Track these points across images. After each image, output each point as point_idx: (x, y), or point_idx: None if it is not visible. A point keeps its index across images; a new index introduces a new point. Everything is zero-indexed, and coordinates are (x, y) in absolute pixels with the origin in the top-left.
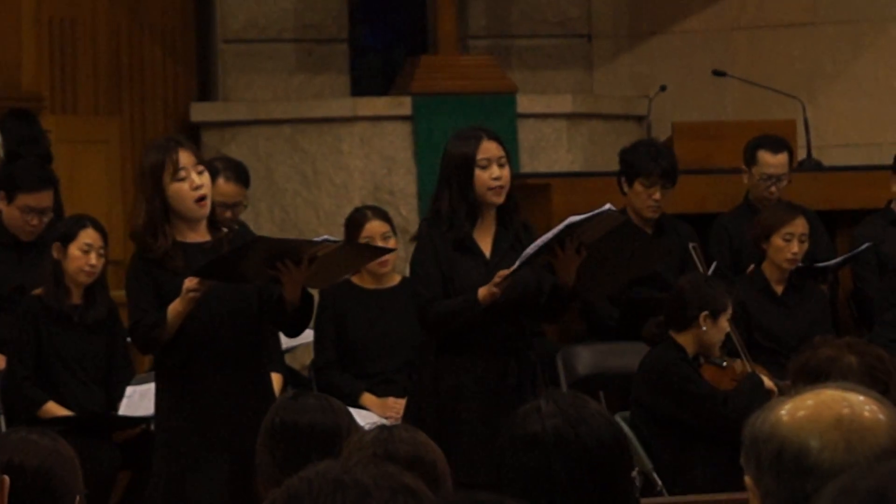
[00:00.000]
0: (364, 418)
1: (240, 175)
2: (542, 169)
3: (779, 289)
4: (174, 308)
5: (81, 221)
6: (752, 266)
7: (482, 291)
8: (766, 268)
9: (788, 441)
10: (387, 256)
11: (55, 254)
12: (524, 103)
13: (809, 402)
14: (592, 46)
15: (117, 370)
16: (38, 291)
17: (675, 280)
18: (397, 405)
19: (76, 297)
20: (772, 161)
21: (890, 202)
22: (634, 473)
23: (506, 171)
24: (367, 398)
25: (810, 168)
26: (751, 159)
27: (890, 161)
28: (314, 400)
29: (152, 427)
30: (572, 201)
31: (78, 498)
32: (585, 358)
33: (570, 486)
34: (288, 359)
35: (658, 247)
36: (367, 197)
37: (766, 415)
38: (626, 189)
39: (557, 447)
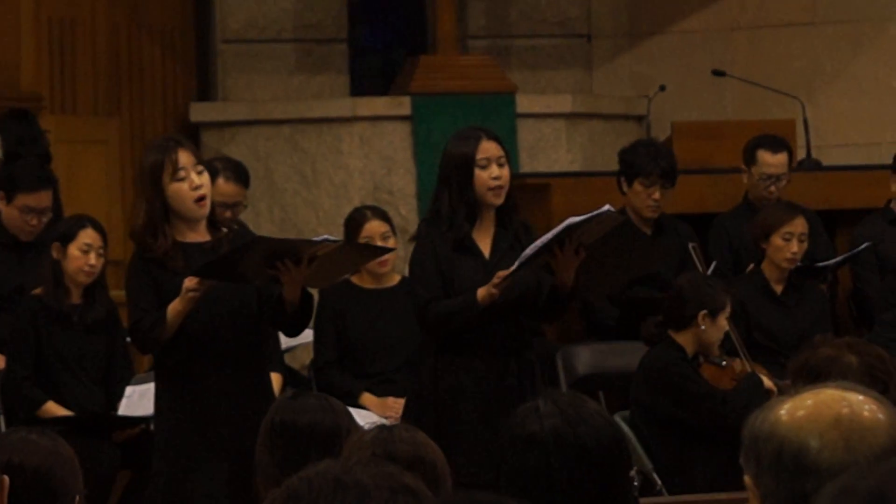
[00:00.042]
0: (364, 418)
1: (240, 175)
2: (542, 169)
3: (778, 288)
4: (174, 308)
5: (81, 221)
6: (751, 266)
7: (481, 292)
8: (766, 267)
9: (788, 440)
10: (386, 256)
11: (55, 254)
12: (524, 103)
13: (809, 402)
14: (592, 46)
15: (117, 370)
16: (37, 291)
17: (675, 280)
18: (397, 405)
19: (76, 297)
20: (771, 161)
21: (889, 202)
22: (633, 473)
23: (505, 171)
24: (367, 398)
25: (810, 168)
26: (750, 159)
27: (889, 161)
28: (314, 400)
29: (152, 427)
30: (572, 201)
31: (77, 498)
32: (585, 358)
33: (569, 486)
34: (287, 358)
35: (657, 247)
36: (367, 197)
37: (766, 414)
38: (625, 189)
39: (556, 447)
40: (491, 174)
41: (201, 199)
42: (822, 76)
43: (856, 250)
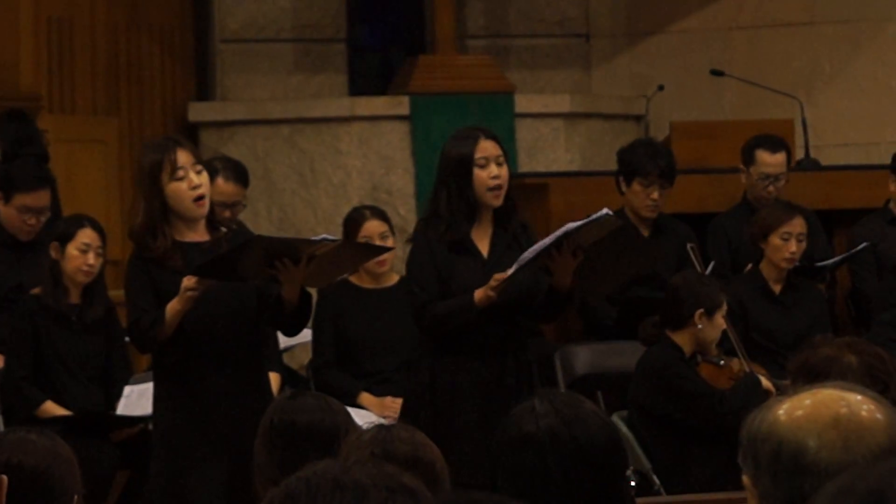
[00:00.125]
0: (362, 418)
1: (239, 175)
2: (541, 168)
3: (777, 288)
4: (172, 307)
5: (79, 221)
6: (749, 265)
7: (478, 294)
8: (764, 267)
9: (786, 440)
10: (385, 256)
11: (53, 253)
12: (522, 103)
13: (807, 402)
14: (590, 46)
15: (115, 370)
16: (36, 291)
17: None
18: (395, 405)
19: (74, 297)
20: (770, 160)
21: (888, 201)
22: (629, 472)
23: (504, 171)
24: (366, 397)
25: (808, 167)
26: (749, 159)
27: (888, 160)
28: (312, 399)
29: (150, 426)
30: (570, 201)
31: (76, 497)
32: (583, 357)
33: (566, 486)
34: (286, 358)
35: (655, 247)
36: (365, 196)
37: (764, 414)
38: (624, 189)
39: (552, 446)
40: (490, 173)
41: (200, 198)
42: (821, 76)
43: (854, 250)
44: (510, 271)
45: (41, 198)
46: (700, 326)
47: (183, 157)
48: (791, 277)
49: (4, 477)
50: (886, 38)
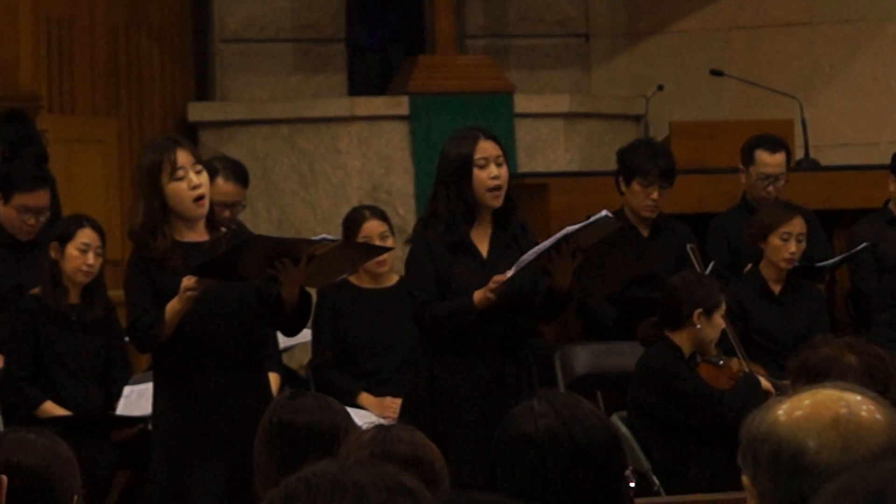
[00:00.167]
0: (362, 418)
1: (239, 175)
2: (540, 169)
3: (776, 288)
4: (172, 307)
5: (79, 221)
6: (749, 266)
7: (478, 295)
8: (764, 267)
9: (786, 441)
10: (384, 256)
11: (53, 254)
12: (522, 103)
13: (807, 402)
14: (590, 46)
15: (115, 370)
16: (35, 291)
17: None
18: (394, 405)
19: (74, 297)
20: (769, 160)
21: (887, 202)
22: (627, 472)
23: (504, 171)
24: (365, 398)
25: (808, 168)
26: (748, 159)
27: (887, 160)
28: (312, 400)
29: (150, 427)
30: (570, 201)
31: (76, 498)
32: (583, 358)
33: (564, 486)
34: (285, 358)
35: (655, 248)
36: (365, 196)
37: (764, 414)
38: (623, 189)
39: (551, 447)
40: (489, 174)
41: (200, 198)
42: (821, 76)
43: (854, 250)
44: (509, 273)
45: (41, 198)
46: (699, 326)
47: (183, 157)
48: (791, 278)
49: (4, 477)
50: (886, 38)
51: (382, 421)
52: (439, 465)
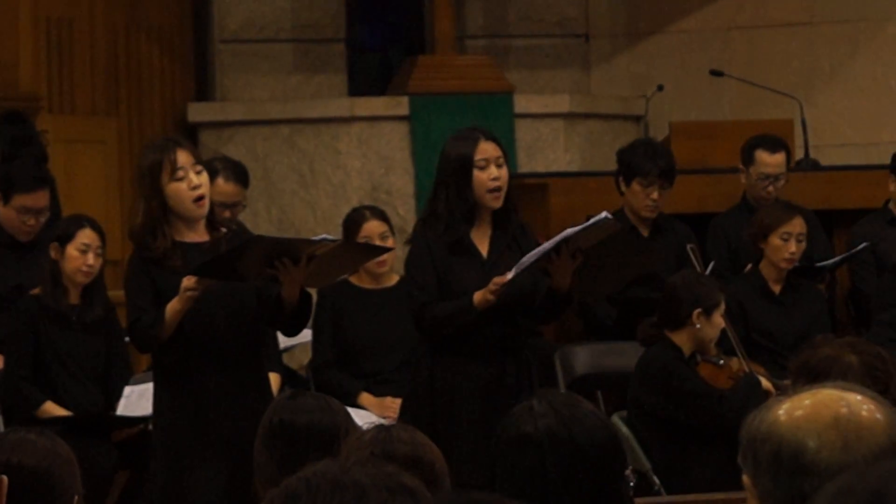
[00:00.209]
0: (362, 418)
1: (239, 175)
2: (540, 169)
3: (776, 288)
4: (172, 307)
5: (79, 221)
6: (749, 266)
7: (477, 296)
8: (764, 267)
9: (786, 440)
10: (385, 256)
11: (53, 254)
12: (521, 103)
13: (807, 402)
14: (590, 46)
15: (115, 370)
16: (35, 291)
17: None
18: (395, 405)
19: (74, 297)
20: (769, 161)
21: (887, 202)
22: (627, 472)
23: (504, 172)
24: (365, 398)
25: (808, 168)
26: (748, 159)
27: (887, 160)
28: (312, 400)
29: (150, 427)
30: (570, 201)
31: (76, 498)
32: (583, 358)
33: (564, 486)
34: (286, 358)
35: (655, 248)
36: (365, 197)
37: (764, 414)
38: (623, 189)
39: (551, 447)
40: (489, 175)
41: (200, 198)
42: (820, 76)
43: (854, 250)
44: (509, 275)
45: (40, 198)
46: (698, 326)
47: (183, 157)
48: (791, 277)
49: (4, 477)
50: (886, 38)
51: (382, 421)
52: (439, 465)
